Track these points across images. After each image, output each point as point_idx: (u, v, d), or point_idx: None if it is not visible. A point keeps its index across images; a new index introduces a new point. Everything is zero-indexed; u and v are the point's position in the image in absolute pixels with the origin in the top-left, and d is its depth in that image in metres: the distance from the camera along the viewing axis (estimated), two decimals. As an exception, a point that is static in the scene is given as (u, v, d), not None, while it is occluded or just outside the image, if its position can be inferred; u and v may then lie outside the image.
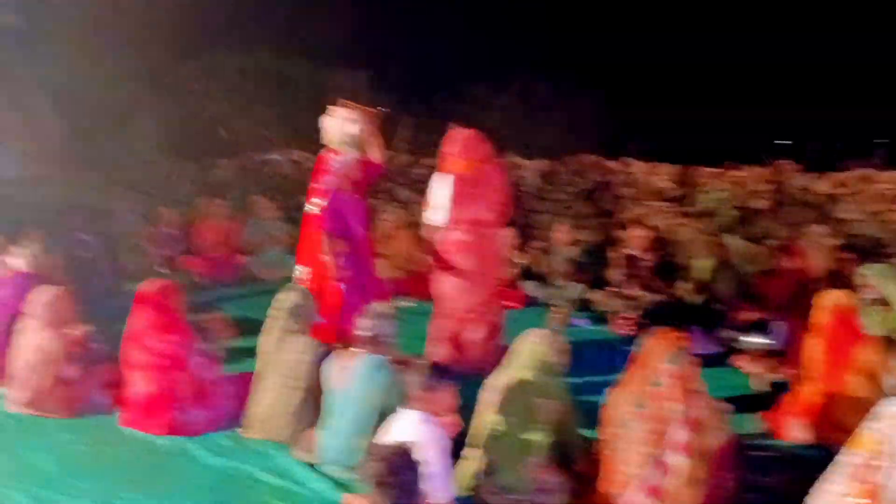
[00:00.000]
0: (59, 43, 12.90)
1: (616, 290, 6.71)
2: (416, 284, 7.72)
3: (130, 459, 4.12)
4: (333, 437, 3.98)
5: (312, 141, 11.33)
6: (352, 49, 14.08)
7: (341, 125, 5.35)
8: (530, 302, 7.27)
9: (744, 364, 5.43)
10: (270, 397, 4.36)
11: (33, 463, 4.04)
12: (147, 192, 10.39)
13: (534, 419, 3.50)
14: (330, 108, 5.44)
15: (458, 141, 5.25)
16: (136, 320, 4.57)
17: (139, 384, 4.48)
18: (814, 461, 4.09)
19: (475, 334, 5.38)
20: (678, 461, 3.33)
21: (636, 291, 6.61)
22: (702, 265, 6.46)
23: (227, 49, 14.01)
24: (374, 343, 4.08)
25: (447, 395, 3.47)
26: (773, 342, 5.67)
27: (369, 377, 3.94)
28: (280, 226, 8.24)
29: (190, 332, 4.64)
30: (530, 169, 9.87)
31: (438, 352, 5.33)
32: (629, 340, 6.19)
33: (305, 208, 5.50)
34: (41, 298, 4.88)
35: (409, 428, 3.30)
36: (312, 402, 4.36)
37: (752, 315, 5.99)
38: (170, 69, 13.33)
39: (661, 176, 9.04)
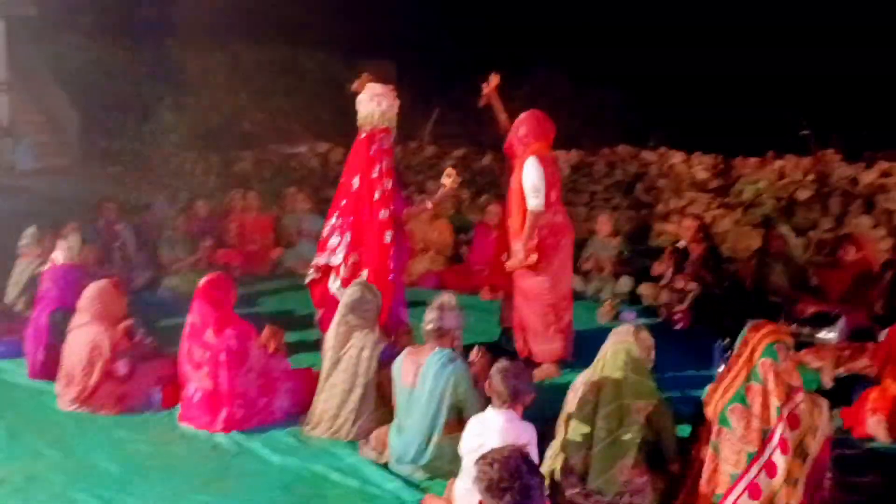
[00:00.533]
0: (77, 36, 12.80)
1: (666, 282, 6.54)
2: (454, 277, 7.59)
3: (193, 458, 3.97)
4: (404, 436, 3.83)
5: (335, 133, 11.25)
6: (371, 41, 13.93)
7: (377, 102, 5.06)
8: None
9: (809, 359, 5.23)
10: (334, 394, 4.21)
11: (94, 462, 3.89)
12: (172, 184, 10.26)
13: (625, 420, 3.34)
14: (367, 85, 5.14)
15: (530, 122, 5.06)
16: (193, 316, 4.43)
17: (198, 380, 4.33)
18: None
19: (569, 319, 5.18)
20: (779, 460, 3.18)
21: (686, 284, 6.44)
22: (757, 256, 6.30)
23: (248, 42, 13.86)
24: (439, 336, 3.92)
25: (529, 394, 3.33)
26: (836, 335, 5.51)
27: (438, 372, 3.78)
28: (314, 218, 8.07)
29: (247, 326, 4.49)
30: (564, 160, 9.67)
31: (549, 348, 5.09)
32: (683, 334, 6.09)
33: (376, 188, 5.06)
34: (88, 293, 4.74)
35: (500, 427, 3.15)
36: (373, 398, 4.23)
37: (812, 307, 5.83)
38: (190, 62, 13.17)
39: (700, 166, 8.83)
